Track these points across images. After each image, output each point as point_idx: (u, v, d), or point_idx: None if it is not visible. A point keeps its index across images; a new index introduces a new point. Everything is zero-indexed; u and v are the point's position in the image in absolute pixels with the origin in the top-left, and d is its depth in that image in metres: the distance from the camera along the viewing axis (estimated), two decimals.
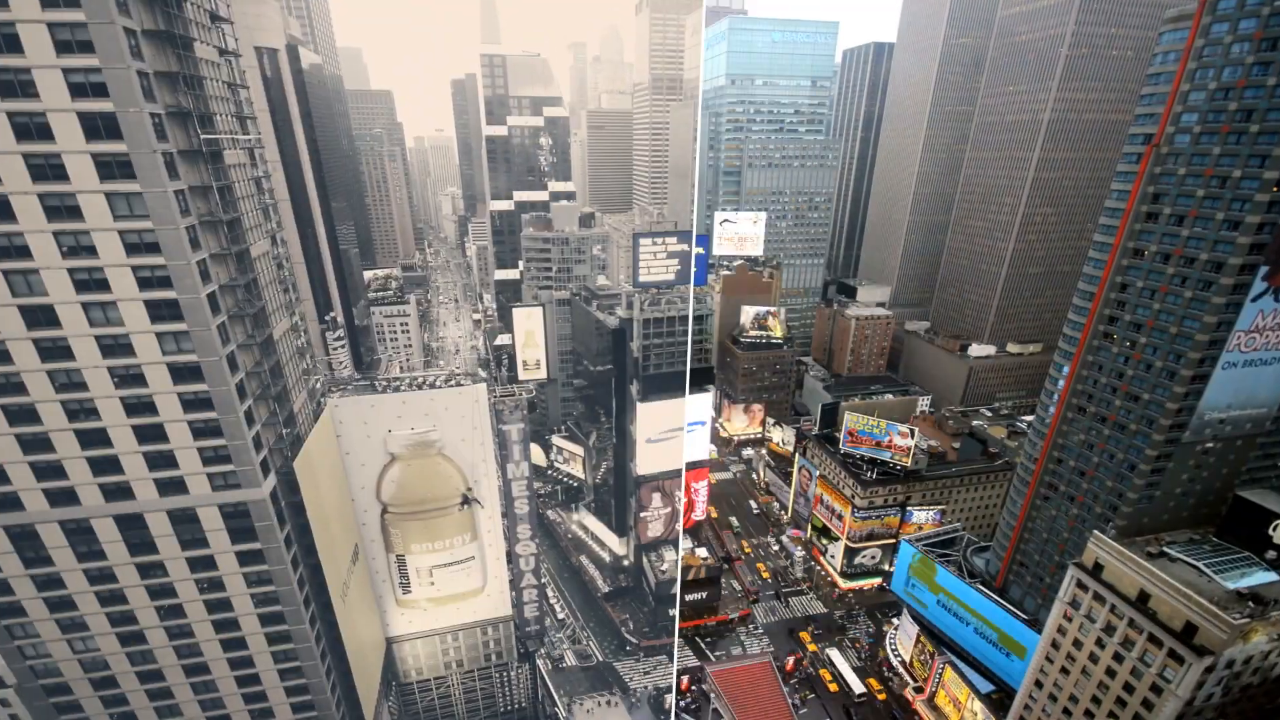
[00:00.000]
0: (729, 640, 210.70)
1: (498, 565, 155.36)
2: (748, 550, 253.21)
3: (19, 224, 78.32)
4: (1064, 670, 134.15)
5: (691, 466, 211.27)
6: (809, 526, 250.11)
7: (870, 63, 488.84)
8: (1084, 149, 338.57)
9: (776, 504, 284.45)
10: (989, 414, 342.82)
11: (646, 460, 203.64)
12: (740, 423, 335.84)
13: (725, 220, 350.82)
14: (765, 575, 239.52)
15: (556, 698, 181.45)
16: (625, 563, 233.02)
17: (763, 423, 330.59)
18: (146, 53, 78.24)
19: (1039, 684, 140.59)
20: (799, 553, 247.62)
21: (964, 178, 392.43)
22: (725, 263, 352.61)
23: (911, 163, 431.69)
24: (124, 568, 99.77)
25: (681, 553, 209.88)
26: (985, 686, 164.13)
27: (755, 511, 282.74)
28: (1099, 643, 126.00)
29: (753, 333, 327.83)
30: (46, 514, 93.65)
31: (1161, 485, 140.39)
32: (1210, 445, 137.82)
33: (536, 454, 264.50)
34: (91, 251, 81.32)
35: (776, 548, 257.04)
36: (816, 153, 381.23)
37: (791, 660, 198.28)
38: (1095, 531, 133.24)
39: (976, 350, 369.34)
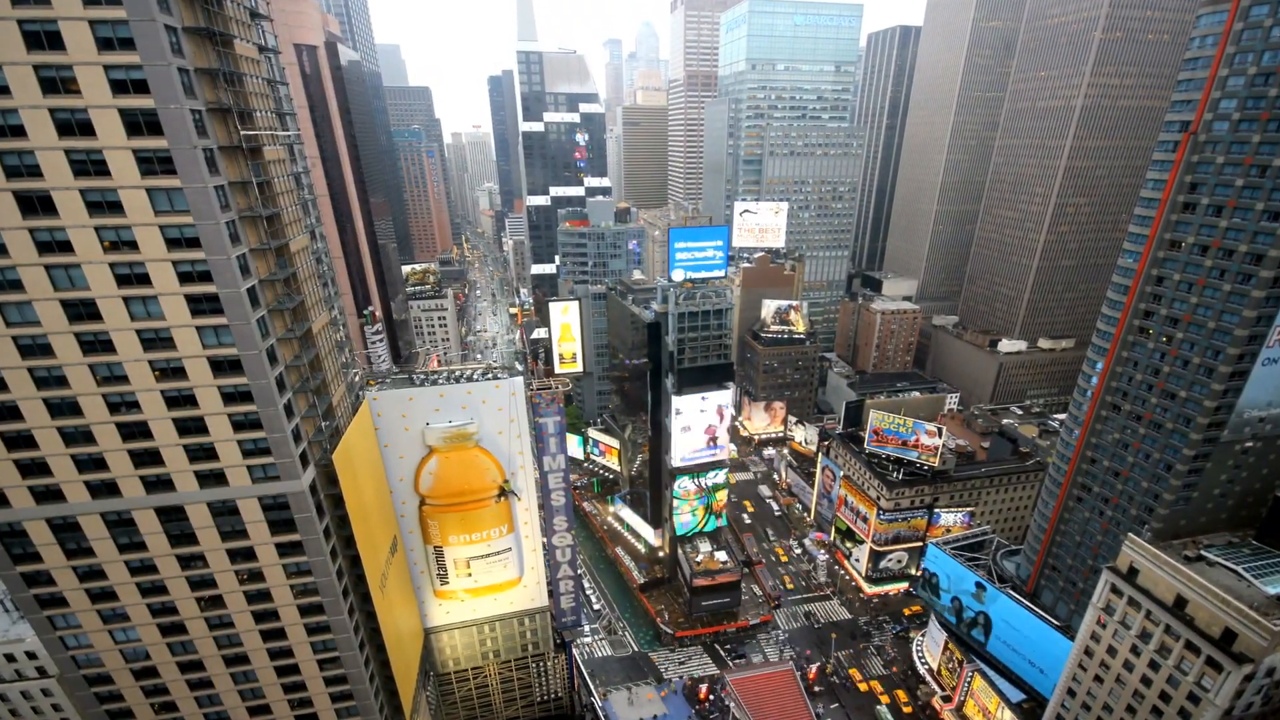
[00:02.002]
0: (749, 647, 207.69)
1: (534, 556, 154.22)
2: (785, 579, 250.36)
3: (61, 219, 77.85)
4: (1098, 678, 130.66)
5: (710, 467, 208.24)
6: (832, 529, 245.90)
7: (896, 47, 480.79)
8: (1118, 137, 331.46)
9: (799, 506, 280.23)
10: (1020, 412, 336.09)
11: (681, 453, 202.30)
12: (761, 421, 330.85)
13: (745, 210, 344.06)
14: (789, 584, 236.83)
15: (592, 687, 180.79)
16: (661, 554, 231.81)
17: (784, 421, 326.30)
18: (187, 50, 77.29)
19: (1071, 692, 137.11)
20: (822, 556, 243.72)
21: (994, 166, 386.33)
22: (745, 255, 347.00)
23: (939, 151, 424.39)
24: (165, 559, 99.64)
25: (702, 556, 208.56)
26: (1016, 695, 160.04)
27: (777, 513, 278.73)
28: (1134, 650, 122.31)
29: (774, 327, 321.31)
30: (87, 506, 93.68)
31: (1199, 486, 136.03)
32: (1250, 444, 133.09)
33: (572, 446, 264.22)
34: (133, 246, 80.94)
35: (799, 551, 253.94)
36: (840, 140, 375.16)
37: (815, 668, 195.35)
38: (1130, 534, 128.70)
39: (1007, 346, 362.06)
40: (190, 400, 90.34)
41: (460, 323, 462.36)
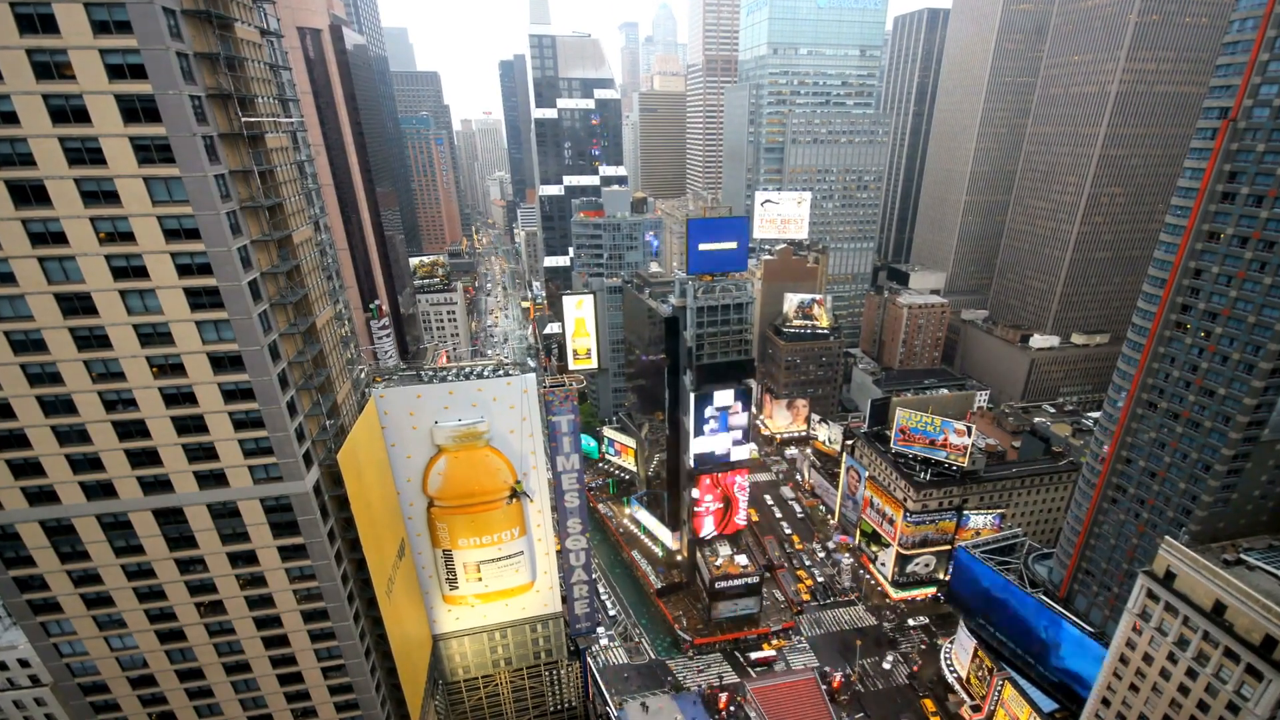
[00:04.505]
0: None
1: (547, 560, 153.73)
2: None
3: (55, 209, 77.39)
4: (1133, 687, 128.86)
5: (730, 466, 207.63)
6: (858, 532, 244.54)
7: (924, 30, 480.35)
8: (1155, 124, 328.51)
9: (822, 507, 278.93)
10: (1052, 410, 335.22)
11: (700, 453, 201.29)
12: (783, 420, 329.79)
13: (767, 200, 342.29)
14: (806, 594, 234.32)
15: (608, 696, 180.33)
16: (678, 558, 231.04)
17: (807, 420, 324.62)
18: (186, 33, 76.83)
19: (1106, 702, 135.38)
20: (846, 560, 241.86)
21: (1025, 155, 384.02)
22: (767, 246, 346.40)
23: (968, 139, 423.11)
24: (163, 563, 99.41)
25: (721, 560, 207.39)
26: (1048, 705, 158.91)
27: (799, 516, 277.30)
28: (1171, 657, 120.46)
29: (796, 322, 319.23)
30: (83, 508, 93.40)
31: (1238, 487, 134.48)
32: None
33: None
34: (130, 237, 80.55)
35: (822, 555, 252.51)
36: (866, 128, 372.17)
37: (839, 676, 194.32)
38: (1167, 537, 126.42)
39: (1038, 341, 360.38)
40: (189, 398, 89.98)
41: (470, 317, 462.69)
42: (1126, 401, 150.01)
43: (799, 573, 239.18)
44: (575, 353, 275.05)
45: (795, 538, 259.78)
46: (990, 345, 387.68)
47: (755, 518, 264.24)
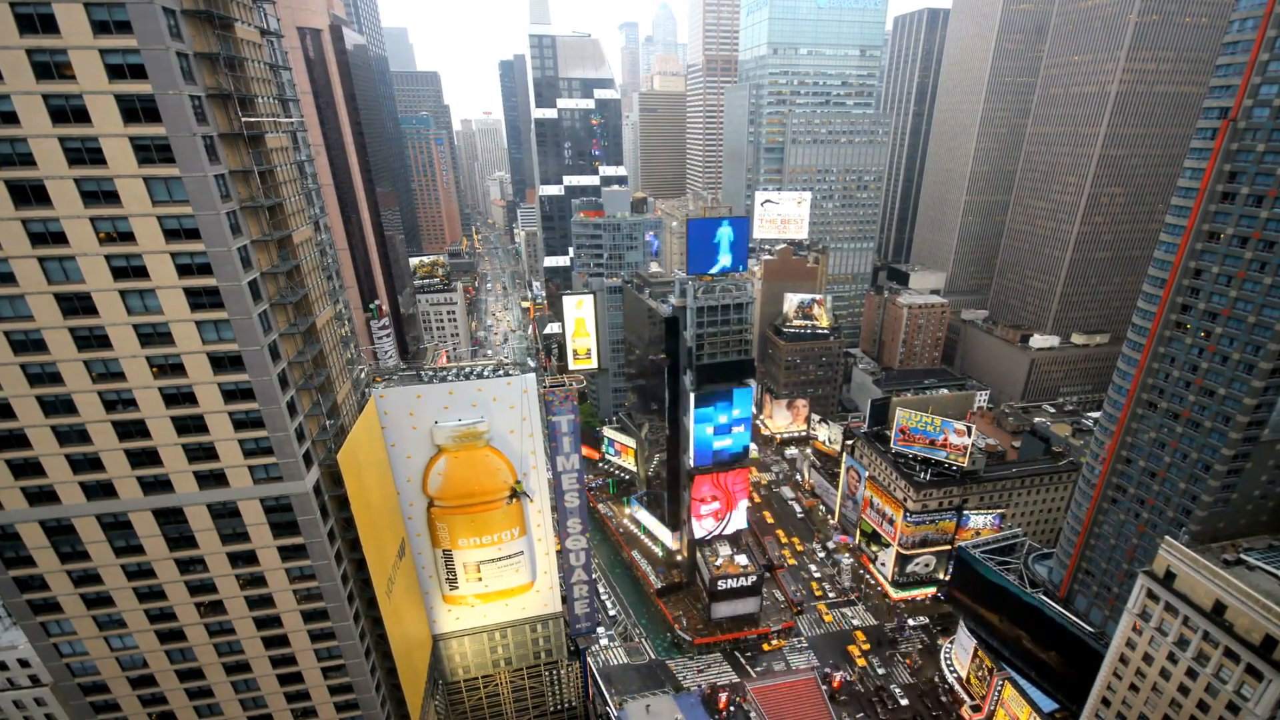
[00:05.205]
0: (771, 654, 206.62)
1: (547, 560, 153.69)
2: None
3: (55, 209, 77.35)
4: (1133, 687, 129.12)
5: (730, 466, 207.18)
6: (858, 532, 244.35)
7: (924, 30, 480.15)
8: (1155, 124, 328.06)
9: (822, 508, 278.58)
10: (1052, 410, 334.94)
11: (700, 452, 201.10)
12: (783, 420, 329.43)
13: (767, 200, 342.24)
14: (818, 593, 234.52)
15: (608, 696, 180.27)
16: (678, 558, 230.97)
17: (807, 420, 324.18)
18: (186, 33, 76.80)
19: (1106, 702, 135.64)
20: (846, 560, 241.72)
21: (1025, 154, 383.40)
22: (767, 246, 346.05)
23: (968, 139, 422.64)
24: (163, 563, 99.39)
25: (721, 560, 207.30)
26: (1048, 705, 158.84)
27: (799, 516, 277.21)
28: (1171, 657, 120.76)
29: (796, 322, 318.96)
30: (83, 508, 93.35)
31: (1238, 487, 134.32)
32: None
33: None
34: (130, 237, 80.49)
35: (822, 555, 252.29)
36: (866, 128, 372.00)
37: (839, 676, 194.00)
38: (1167, 537, 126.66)
39: (1038, 341, 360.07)
40: (189, 398, 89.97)
41: (470, 317, 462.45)
42: (1126, 401, 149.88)
43: (813, 584, 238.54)
44: (575, 353, 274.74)
45: (795, 539, 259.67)
46: (990, 345, 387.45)
47: (769, 522, 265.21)
